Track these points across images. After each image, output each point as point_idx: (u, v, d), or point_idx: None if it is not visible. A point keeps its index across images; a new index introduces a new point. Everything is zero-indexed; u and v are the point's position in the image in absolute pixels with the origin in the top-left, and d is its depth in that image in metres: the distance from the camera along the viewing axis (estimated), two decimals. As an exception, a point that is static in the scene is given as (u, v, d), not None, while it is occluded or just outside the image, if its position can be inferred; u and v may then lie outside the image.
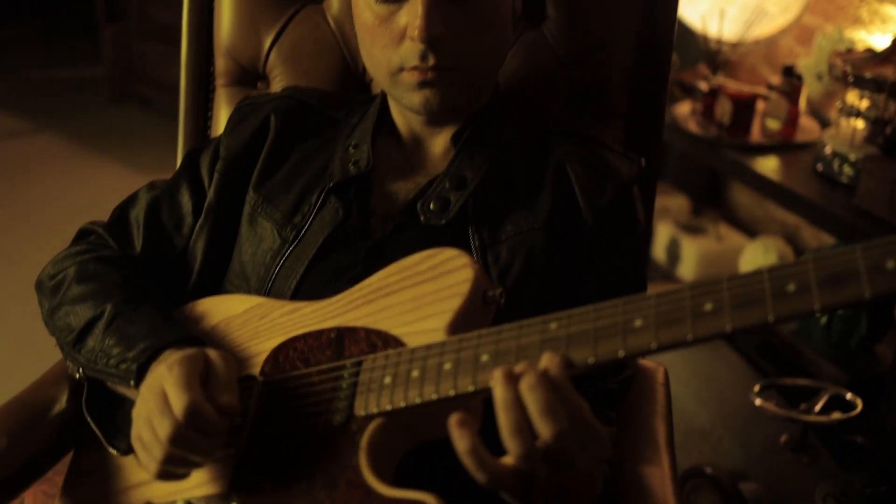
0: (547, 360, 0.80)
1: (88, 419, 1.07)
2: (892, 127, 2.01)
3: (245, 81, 1.46)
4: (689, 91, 2.65)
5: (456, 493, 0.88)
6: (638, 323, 0.78)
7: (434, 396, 0.86)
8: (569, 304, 0.85)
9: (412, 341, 0.94)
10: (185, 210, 1.22)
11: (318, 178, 1.17)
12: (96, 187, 3.70)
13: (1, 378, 1.22)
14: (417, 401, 0.87)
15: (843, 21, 2.56)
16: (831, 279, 0.71)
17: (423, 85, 1.07)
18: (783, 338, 2.33)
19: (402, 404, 0.87)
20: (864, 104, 2.13)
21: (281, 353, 1.03)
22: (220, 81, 1.48)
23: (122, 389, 1.06)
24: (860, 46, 2.38)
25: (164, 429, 0.91)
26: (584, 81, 1.32)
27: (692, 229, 2.85)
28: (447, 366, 0.87)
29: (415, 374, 0.88)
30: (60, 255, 1.21)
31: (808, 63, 2.57)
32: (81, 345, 1.09)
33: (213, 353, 0.98)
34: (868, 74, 2.08)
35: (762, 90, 2.53)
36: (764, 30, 2.57)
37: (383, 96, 1.20)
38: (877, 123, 2.10)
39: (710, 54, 2.61)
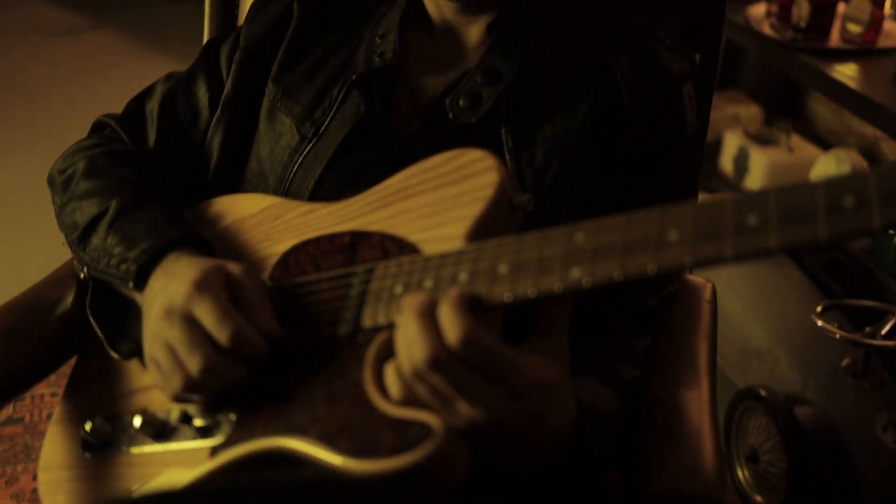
0: (444, 299, 0.74)
1: (92, 320, 1.02)
2: None
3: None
4: (765, -10, 2.48)
5: None
6: (673, 236, 0.69)
7: None
8: (608, 213, 0.76)
9: (428, 249, 0.86)
10: (201, 103, 1.15)
11: (342, 70, 1.09)
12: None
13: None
14: None
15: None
16: (896, 194, 0.61)
17: None
18: (853, 256, 2.20)
19: None
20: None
21: (292, 257, 0.96)
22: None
23: (127, 292, 1.00)
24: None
25: (194, 361, 0.86)
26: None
27: (763, 140, 2.70)
28: (462, 277, 0.79)
29: (427, 283, 0.81)
30: (72, 148, 1.15)
31: (896, -39, 2.37)
32: (86, 243, 1.04)
33: (234, 268, 0.91)
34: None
35: (844, -10, 2.35)
36: (850, -77, 2.37)
37: None
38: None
39: (790, -50, 2.42)
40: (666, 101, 1.03)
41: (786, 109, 2.93)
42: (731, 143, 2.75)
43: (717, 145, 2.77)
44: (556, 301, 0.81)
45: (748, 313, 2.09)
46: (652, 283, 1.05)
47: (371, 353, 0.81)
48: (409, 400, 0.76)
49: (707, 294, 1.16)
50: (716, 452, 0.86)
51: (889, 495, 1.70)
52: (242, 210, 1.06)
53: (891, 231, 0.64)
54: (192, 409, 0.91)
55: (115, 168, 1.09)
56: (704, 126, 1.17)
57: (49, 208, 1.13)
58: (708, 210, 0.69)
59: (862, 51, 2.26)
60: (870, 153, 2.58)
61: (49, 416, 2.11)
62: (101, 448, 0.96)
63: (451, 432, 0.74)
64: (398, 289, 0.83)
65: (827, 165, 2.39)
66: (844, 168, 2.34)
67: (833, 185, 0.64)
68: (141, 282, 0.96)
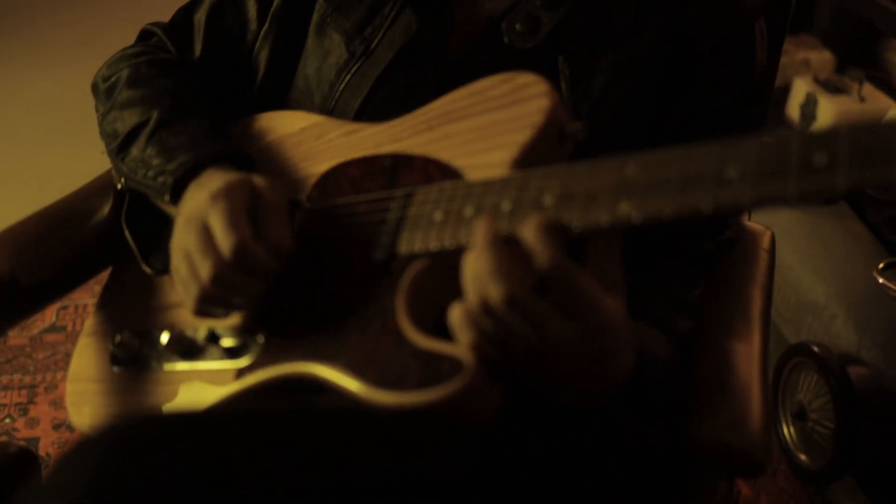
0: (528, 226, 0.69)
1: (126, 232, 1.00)
2: None
3: None
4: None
5: None
6: (732, 172, 0.64)
7: None
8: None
9: (472, 175, 0.82)
10: (249, 15, 1.11)
11: (396, -14, 1.03)
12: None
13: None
14: (467, 243, 0.75)
15: None
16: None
17: None
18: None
19: (450, 245, 0.76)
20: None
21: (331, 178, 0.92)
22: None
23: (163, 206, 0.98)
24: None
25: (205, 268, 0.83)
26: None
27: (833, 87, 2.58)
28: (505, 206, 0.74)
29: (468, 211, 0.77)
30: (116, 55, 1.12)
31: None
32: (125, 153, 1.02)
33: (260, 182, 0.88)
34: None
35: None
36: None
37: None
38: None
39: None
40: (736, 35, 0.96)
41: (859, 57, 2.81)
42: (800, 90, 2.64)
43: (784, 91, 2.66)
44: (605, 236, 0.76)
45: (806, 266, 2.02)
46: (708, 227, 1.00)
47: (406, 280, 0.78)
48: (477, 339, 0.71)
49: (766, 242, 1.10)
50: (763, 408, 0.82)
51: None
52: (285, 127, 1.02)
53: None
54: (220, 328, 0.89)
55: (159, 78, 1.06)
56: (774, 68, 1.10)
57: (92, 117, 1.11)
58: (772, 146, 0.63)
59: (947, -2, 2.14)
60: (947, 107, 2.46)
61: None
62: (128, 363, 0.94)
63: (482, 370, 0.70)
64: (437, 215, 0.79)
65: (900, 117, 2.29)
66: (919, 121, 2.24)
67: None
68: (177, 195, 0.94)
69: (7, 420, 1.88)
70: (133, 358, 0.94)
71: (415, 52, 1.00)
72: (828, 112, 2.54)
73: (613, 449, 0.85)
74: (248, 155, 0.98)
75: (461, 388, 0.69)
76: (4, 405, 1.92)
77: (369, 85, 1.01)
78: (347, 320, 0.81)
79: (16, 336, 2.10)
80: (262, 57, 1.10)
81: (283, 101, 1.10)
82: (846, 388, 1.70)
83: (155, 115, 1.00)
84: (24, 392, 1.95)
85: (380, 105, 1.00)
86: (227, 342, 0.88)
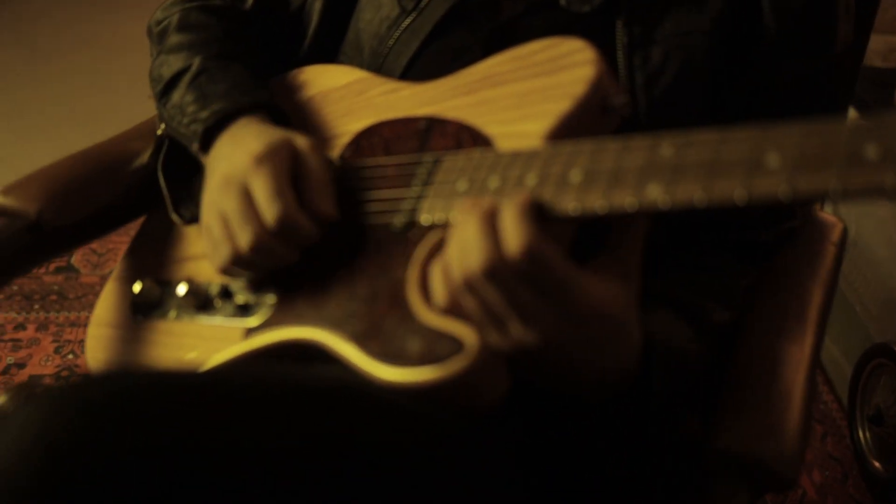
0: (506, 202, 0.65)
1: (161, 179, 0.98)
2: None
3: None
4: None
5: None
6: (771, 160, 0.57)
7: None
8: None
9: (504, 144, 0.77)
10: (305, -37, 1.07)
11: (450, -60, 0.98)
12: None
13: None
14: None
15: None
16: None
17: None
18: None
19: None
20: None
21: (365, 138, 0.88)
22: None
23: (195, 154, 0.95)
24: None
25: (245, 235, 0.80)
26: None
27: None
28: (530, 180, 0.69)
29: (493, 183, 0.71)
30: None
31: None
32: (167, 98, 0.99)
33: (303, 144, 0.85)
34: None
35: None
36: None
37: None
38: None
39: None
40: (813, 6, 0.88)
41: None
42: None
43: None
44: (631, 220, 0.70)
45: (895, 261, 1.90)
46: (770, 215, 0.93)
47: (420, 252, 0.73)
48: (454, 309, 0.68)
49: (835, 235, 1.02)
50: (802, 418, 0.74)
51: None
52: (329, 82, 0.98)
53: None
54: (234, 285, 0.86)
55: (208, 24, 1.04)
56: (862, 46, 1.00)
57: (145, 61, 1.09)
58: (818, 133, 0.56)
59: None
60: None
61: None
62: (146, 311, 0.92)
63: (484, 353, 0.65)
64: (461, 185, 0.74)
65: None
66: None
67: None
68: (206, 144, 0.91)
69: (70, 356, 1.91)
70: (151, 306, 0.92)
71: (466, 10, 0.94)
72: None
73: (614, 446, 0.80)
74: (284, 108, 0.94)
75: (459, 369, 0.65)
76: (69, 341, 1.95)
77: (418, 42, 0.96)
78: (359, 288, 0.77)
79: (88, 274, 2.13)
80: (316, 7, 1.06)
81: (333, 57, 1.06)
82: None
83: (197, 61, 0.98)
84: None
85: (427, 64, 0.95)
86: (240, 299, 0.85)
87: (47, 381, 1.81)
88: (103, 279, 2.11)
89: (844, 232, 1.03)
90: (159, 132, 1.01)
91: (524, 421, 0.78)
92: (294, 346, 0.78)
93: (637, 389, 0.74)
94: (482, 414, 0.69)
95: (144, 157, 1.04)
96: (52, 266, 2.11)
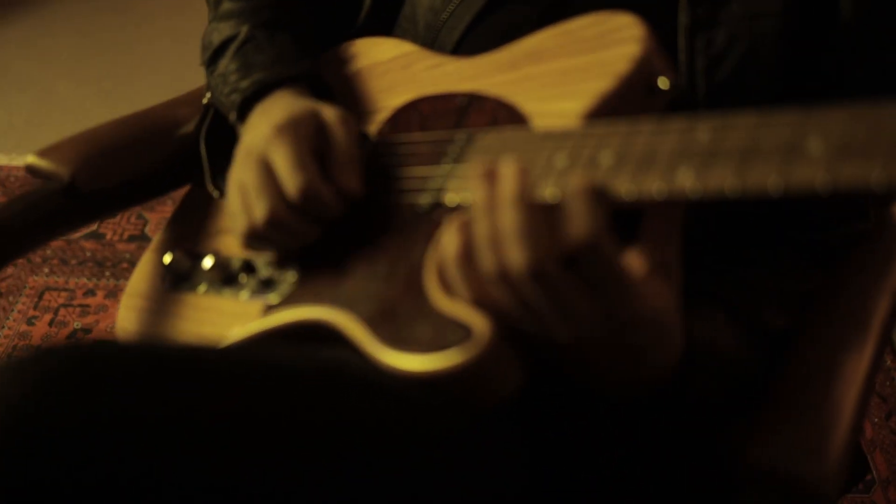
0: (569, 188, 0.58)
1: (202, 149, 0.95)
2: None
3: None
4: None
5: None
6: (812, 146, 0.52)
7: None
8: None
9: (539, 122, 0.73)
10: (363, -69, 1.03)
11: None
12: None
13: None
14: None
15: None
16: None
17: None
18: None
19: None
20: None
21: (403, 113, 0.84)
22: None
23: (234, 124, 0.93)
24: None
25: (260, 208, 0.77)
26: None
27: None
28: (559, 161, 0.64)
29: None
30: None
31: None
32: (214, 66, 0.97)
33: (331, 116, 0.81)
34: None
35: None
36: None
37: None
38: None
39: None
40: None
41: None
42: None
43: None
44: (662, 209, 0.65)
45: None
46: (835, 214, 0.86)
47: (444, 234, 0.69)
48: (480, 301, 0.63)
49: (909, 239, 0.93)
50: (848, 437, 0.68)
51: None
52: (377, 55, 0.95)
53: None
54: (258, 260, 0.83)
55: None
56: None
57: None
58: (867, 118, 0.50)
59: None
60: None
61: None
62: (175, 283, 0.90)
63: (494, 343, 0.61)
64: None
65: None
66: None
67: None
68: (243, 115, 0.88)
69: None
70: (180, 278, 0.89)
71: None
72: None
73: (635, 452, 0.74)
74: (327, 81, 0.91)
75: (465, 359, 0.61)
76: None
77: (471, 16, 0.91)
78: (378, 268, 0.73)
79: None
80: (373, -22, 1.02)
81: (390, 30, 1.03)
82: None
83: (245, 29, 0.95)
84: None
85: (479, 39, 0.91)
86: (263, 274, 0.82)
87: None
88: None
89: (922, 238, 0.95)
90: (205, 101, 0.99)
91: (538, 418, 0.73)
92: (310, 327, 0.75)
93: (672, 395, 0.69)
94: (492, 407, 0.64)
95: (190, 126, 1.02)
96: (126, 234, 2.13)
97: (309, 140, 0.78)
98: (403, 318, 0.67)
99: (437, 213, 0.72)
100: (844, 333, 0.80)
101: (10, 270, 2.03)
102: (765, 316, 0.80)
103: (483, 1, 0.91)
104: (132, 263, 2.08)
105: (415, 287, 0.68)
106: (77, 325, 1.90)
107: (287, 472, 0.59)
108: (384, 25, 1.03)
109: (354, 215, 0.78)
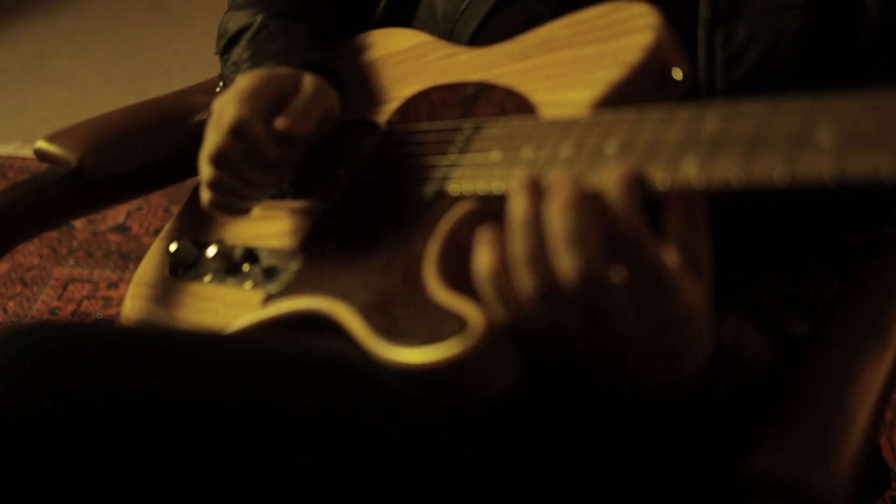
0: (608, 178, 0.54)
1: None
2: None
3: None
4: None
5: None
6: (824, 134, 0.49)
7: None
8: None
9: (548, 112, 0.71)
10: (382, -79, 1.02)
11: None
12: None
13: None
14: None
15: None
16: None
17: None
18: None
19: (498, 190, 0.65)
20: None
21: (413, 103, 0.83)
22: None
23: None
24: None
25: (209, 143, 0.79)
26: None
27: None
28: (564, 151, 0.62)
29: (526, 154, 0.65)
30: None
31: None
32: (228, 55, 0.96)
33: (310, 81, 0.81)
34: None
35: None
36: None
37: None
38: None
39: None
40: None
41: None
42: None
43: None
44: (681, 202, 0.61)
45: None
46: (861, 216, 0.83)
47: (444, 224, 0.67)
48: (518, 320, 0.59)
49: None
50: (859, 450, 0.64)
51: None
52: (393, 45, 0.93)
53: None
54: (261, 250, 0.82)
55: None
56: None
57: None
58: (879, 106, 0.48)
59: None
60: None
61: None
62: (180, 272, 0.89)
63: (489, 336, 0.59)
64: (495, 154, 0.68)
65: None
66: None
67: None
68: None
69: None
70: (186, 267, 0.88)
71: None
72: None
73: (651, 455, 0.72)
74: (339, 71, 0.89)
75: (458, 352, 0.59)
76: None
77: (487, 7, 0.90)
78: (377, 258, 0.71)
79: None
80: (393, -32, 1.01)
81: (409, 20, 1.01)
82: None
83: (260, 18, 0.95)
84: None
85: (496, 30, 0.89)
86: (264, 264, 0.81)
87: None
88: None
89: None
90: (218, 90, 0.98)
91: (543, 414, 0.71)
92: (309, 318, 0.73)
93: (699, 400, 0.66)
94: (490, 401, 0.62)
95: (205, 114, 1.01)
96: (152, 228, 2.14)
97: (268, 88, 0.79)
98: (399, 309, 0.65)
99: (439, 203, 0.70)
100: (862, 341, 0.77)
101: (35, 261, 2.04)
102: (788, 323, 0.78)
103: None
104: (157, 257, 2.08)
105: (413, 278, 0.66)
106: (99, 316, 1.91)
107: (260, 456, 0.58)
108: (403, 17, 1.01)
109: (357, 205, 0.76)
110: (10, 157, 2.44)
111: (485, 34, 0.90)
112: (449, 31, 0.93)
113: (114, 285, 1.98)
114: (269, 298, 0.77)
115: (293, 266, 0.78)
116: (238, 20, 0.97)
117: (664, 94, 0.69)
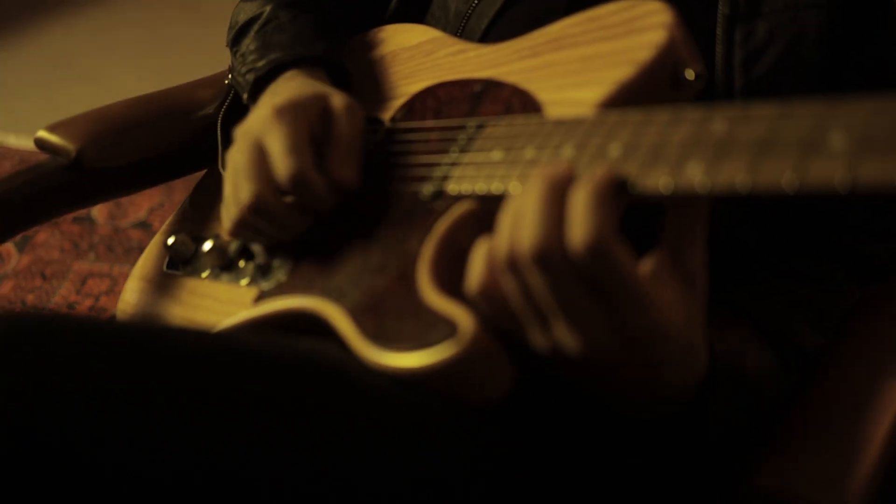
0: (584, 179, 0.53)
1: (219, 130, 0.93)
2: None
3: None
4: None
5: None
6: (836, 139, 0.46)
7: None
8: None
9: (553, 111, 0.68)
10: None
11: None
12: None
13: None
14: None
15: None
16: None
17: None
18: None
19: (498, 190, 0.62)
20: None
21: (419, 100, 0.81)
22: None
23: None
24: None
25: (248, 192, 0.73)
26: None
27: None
28: (567, 151, 0.60)
29: (528, 154, 0.62)
30: None
31: None
32: (237, 46, 0.95)
33: (338, 103, 0.77)
34: None
35: None
36: None
37: None
38: None
39: None
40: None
41: None
42: None
43: None
44: (681, 207, 0.58)
45: None
46: (880, 222, 0.79)
47: (441, 225, 0.64)
48: (489, 292, 0.57)
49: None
50: (872, 471, 0.61)
51: None
52: (403, 41, 0.91)
53: None
54: (255, 246, 0.80)
55: None
56: None
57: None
58: (890, 109, 0.45)
59: None
60: None
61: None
62: (178, 266, 0.87)
63: (478, 341, 0.56)
64: (497, 154, 0.65)
65: None
66: None
67: None
68: (255, 95, 0.85)
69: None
70: (183, 262, 0.86)
71: None
72: None
73: (644, 469, 0.69)
74: (345, 64, 0.87)
75: (446, 357, 0.56)
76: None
77: (499, 4, 0.88)
78: (371, 258, 0.69)
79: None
80: (406, -37, 0.99)
81: (422, 16, 0.99)
82: None
83: (269, 9, 0.93)
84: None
85: (505, 28, 0.87)
86: (259, 261, 0.78)
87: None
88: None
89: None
90: (227, 81, 0.96)
91: (532, 423, 0.68)
92: (302, 319, 0.71)
93: (690, 416, 0.63)
94: (479, 408, 0.60)
95: (212, 107, 1.00)
96: (173, 225, 2.13)
97: (309, 125, 0.74)
98: (389, 311, 0.63)
99: (438, 202, 0.68)
100: (881, 358, 0.74)
101: (56, 255, 2.04)
102: (797, 334, 0.74)
103: None
104: (176, 254, 2.07)
105: (405, 280, 0.64)
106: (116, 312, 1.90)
107: (227, 453, 0.56)
108: (416, 13, 0.99)
109: (356, 204, 0.74)
110: (37, 153, 2.44)
111: (497, 30, 0.87)
112: (461, 28, 0.91)
113: (132, 281, 1.98)
114: (262, 296, 0.75)
115: (287, 264, 0.76)
116: (248, 11, 0.96)
117: (676, 95, 0.66)
